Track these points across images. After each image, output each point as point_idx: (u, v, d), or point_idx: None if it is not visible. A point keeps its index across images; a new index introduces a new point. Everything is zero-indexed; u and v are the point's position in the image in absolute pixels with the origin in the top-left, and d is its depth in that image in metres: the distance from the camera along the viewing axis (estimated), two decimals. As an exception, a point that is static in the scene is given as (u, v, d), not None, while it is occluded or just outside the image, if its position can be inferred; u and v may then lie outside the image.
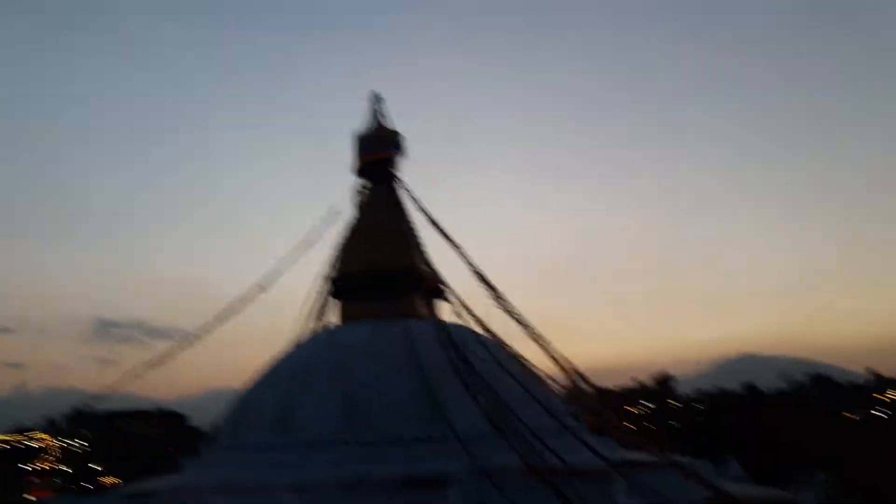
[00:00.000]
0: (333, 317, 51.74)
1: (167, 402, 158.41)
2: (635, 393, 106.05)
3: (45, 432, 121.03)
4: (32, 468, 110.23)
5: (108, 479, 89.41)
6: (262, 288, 52.40)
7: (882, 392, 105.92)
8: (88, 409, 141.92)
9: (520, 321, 39.70)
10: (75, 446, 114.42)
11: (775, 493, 38.62)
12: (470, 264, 44.47)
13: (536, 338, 41.43)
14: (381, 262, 46.48)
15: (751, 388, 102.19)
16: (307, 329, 53.77)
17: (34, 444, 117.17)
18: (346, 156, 52.33)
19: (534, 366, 39.85)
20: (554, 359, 39.82)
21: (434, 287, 48.13)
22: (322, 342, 47.49)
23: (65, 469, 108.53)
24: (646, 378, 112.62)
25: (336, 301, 51.27)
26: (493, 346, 40.96)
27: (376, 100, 51.56)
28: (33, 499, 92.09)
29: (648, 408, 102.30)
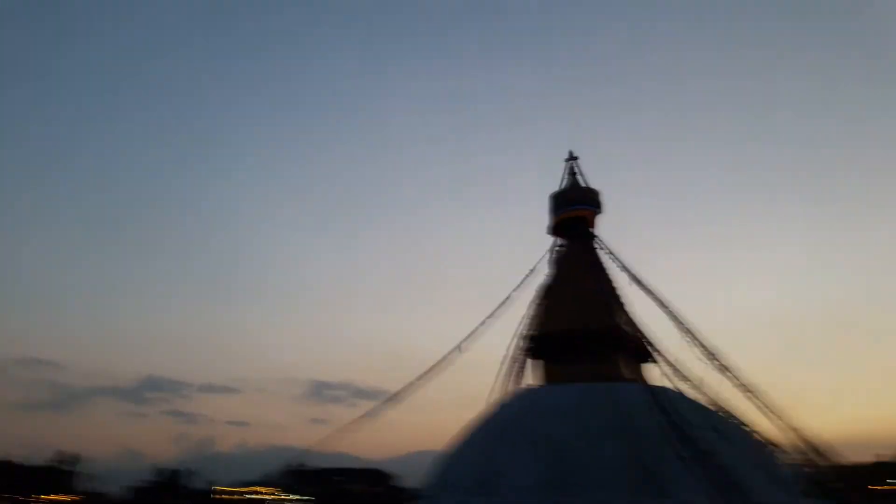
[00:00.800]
0: (532, 377, 51.27)
1: (374, 463, 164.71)
2: (880, 470, 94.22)
3: (265, 486, 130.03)
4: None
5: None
6: (461, 349, 53.39)
7: None
8: (303, 466, 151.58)
9: (741, 384, 36.76)
10: (293, 501, 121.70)
11: None
12: (679, 322, 42.33)
13: (761, 403, 38.13)
14: (583, 322, 45.37)
15: None
16: (506, 390, 53.73)
17: (255, 497, 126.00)
18: (542, 215, 53.04)
19: (757, 434, 36.40)
20: (783, 428, 36.31)
21: (640, 348, 46.23)
22: (524, 403, 46.85)
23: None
24: (893, 455, 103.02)
25: (535, 361, 50.79)
26: (710, 412, 38.09)
27: (572, 158, 51.79)
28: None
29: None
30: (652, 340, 44.51)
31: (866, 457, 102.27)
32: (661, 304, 43.65)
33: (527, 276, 51.01)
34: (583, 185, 50.67)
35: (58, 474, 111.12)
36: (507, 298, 50.46)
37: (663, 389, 38.75)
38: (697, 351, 40.56)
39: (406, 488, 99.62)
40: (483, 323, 51.69)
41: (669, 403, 35.76)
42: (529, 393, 49.03)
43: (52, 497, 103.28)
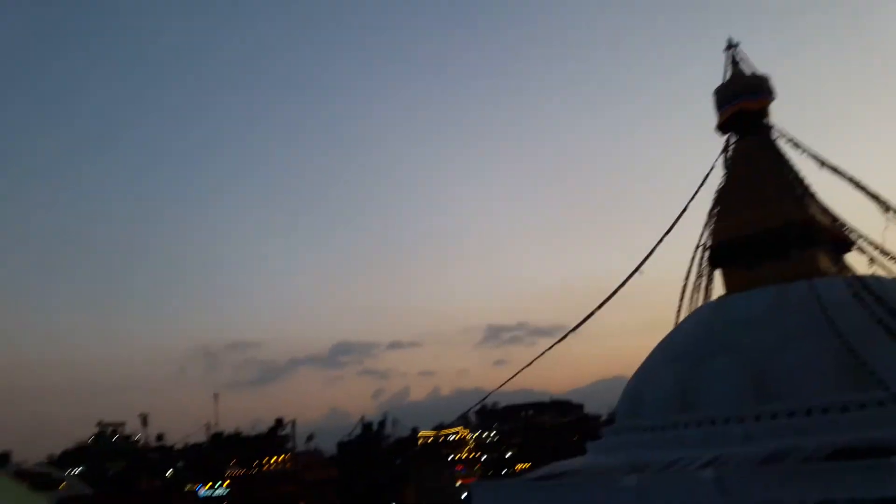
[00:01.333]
0: (720, 289, 48.85)
1: (561, 395, 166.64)
2: None
3: (462, 427, 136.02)
4: (456, 458, 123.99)
5: (521, 465, 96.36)
6: (641, 271, 51.71)
7: None
8: (494, 405, 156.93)
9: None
10: (488, 438, 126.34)
11: None
12: (880, 200, 38.34)
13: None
14: (769, 220, 42.10)
15: None
16: (694, 305, 51.72)
17: (452, 437, 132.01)
18: (711, 116, 49.49)
19: None
20: None
21: (838, 238, 42.46)
22: (716, 314, 44.85)
23: (482, 457, 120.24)
24: None
25: (721, 271, 48.27)
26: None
27: (731, 46, 47.68)
28: (459, 483, 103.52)
29: None
30: (850, 227, 40.75)
31: None
32: (857, 185, 39.70)
33: (702, 182, 48.23)
34: (747, 73, 46.77)
35: (277, 440, 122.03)
36: (684, 210, 48.03)
37: (872, 278, 35.52)
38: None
39: (595, 416, 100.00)
40: (661, 240, 49.71)
41: (879, 289, 32.71)
42: (719, 303, 46.80)
43: (275, 460, 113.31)
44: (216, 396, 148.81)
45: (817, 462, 29.65)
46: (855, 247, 40.09)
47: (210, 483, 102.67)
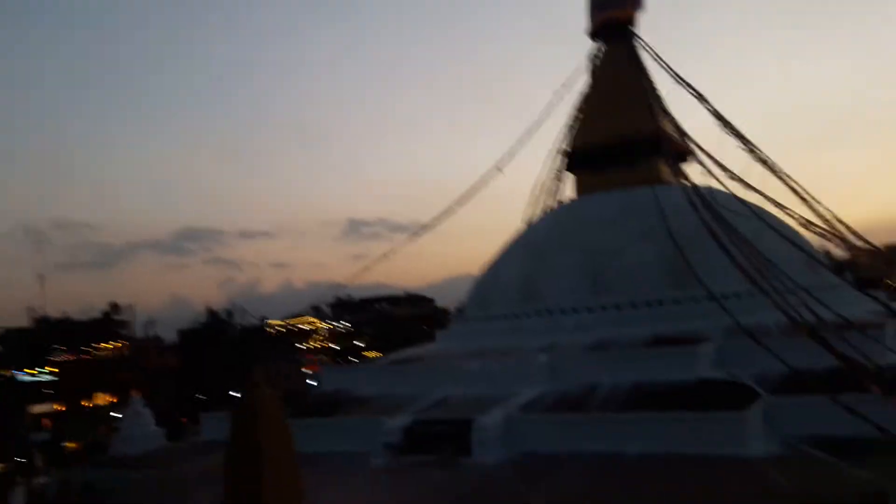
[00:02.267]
0: (569, 192, 51.51)
1: (415, 289, 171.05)
2: None
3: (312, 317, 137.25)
4: (306, 347, 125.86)
5: (372, 353, 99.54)
6: (499, 168, 53.31)
7: None
8: (348, 297, 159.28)
9: (779, 175, 36.63)
10: (340, 328, 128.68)
11: None
12: (721, 119, 41.53)
13: (799, 193, 38.26)
14: (622, 128, 44.58)
15: None
16: (544, 206, 54.43)
17: (305, 328, 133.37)
18: (578, 20, 50.47)
19: (796, 219, 36.68)
20: (819, 213, 36.56)
21: (681, 150, 45.67)
22: (563, 215, 47.61)
23: (333, 346, 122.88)
24: None
25: (574, 175, 50.82)
26: (751, 205, 38.30)
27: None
28: (309, 371, 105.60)
29: None
30: (693, 140, 44.00)
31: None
32: (703, 101, 42.64)
33: (564, 86, 49.76)
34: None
35: (112, 325, 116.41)
36: (545, 112, 49.57)
37: (706, 188, 38.85)
38: (739, 145, 40.07)
39: (447, 309, 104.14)
40: (521, 140, 51.29)
41: (711, 199, 35.95)
42: (568, 205, 49.54)
43: (108, 345, 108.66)
44: (41, 279, 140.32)
45: (636, 349, 33.05)
46: (693, 158, 43.35)
47: (33, 368, 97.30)
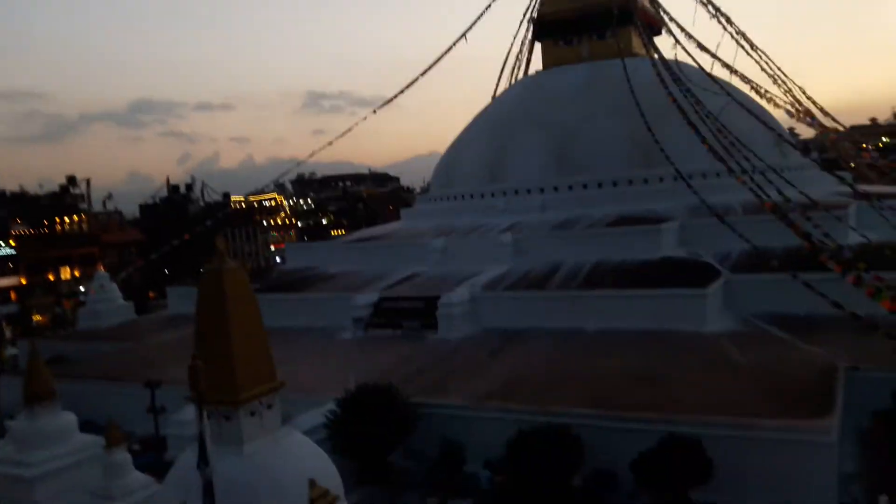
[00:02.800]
0: (540, 63, 50.02)
1: (379, 168, 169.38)
2: (874, 131, 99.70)
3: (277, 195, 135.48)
4: (269, 224, 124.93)
5: (336, 231, 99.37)
6: (465, 38, 51.50)
7: None
8: (311, 175, 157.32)
9: (750, 52, 35.89)
10: (304, 205, 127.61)
11: None
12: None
13: (770, 70, 37.77)
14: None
15: None
16: (511, 79, 53.16)
17: (269, 204, 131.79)
18: None
19: (765, 98, 36.32)
20: (790, 94, 36.26)
21: (653, 22, 44.29)
22: (528, 90, 46.43)
23: (297, 224, 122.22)
24: (886, 115, 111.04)
25: (542, 45, 49.24)
26: (721, 82, 37.67)
27: None
28: (274, 248, 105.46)
29: (885, 143, 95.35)
30: (666, 10, 42.61)
31: (862, 119, 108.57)
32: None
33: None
34: None
35: (70, 199, 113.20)
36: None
37: (676, 63, 37.99)
38: (714, 18, 38.95)
39: (411, 189, 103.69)
40: (487, 6, 49.32)
41: (682, 75, 35.21)
42: (535, 78, 48.23)
43: (68, 221, 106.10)
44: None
45: (600, 228, 33.31)
46: (665, 30, 42.17)
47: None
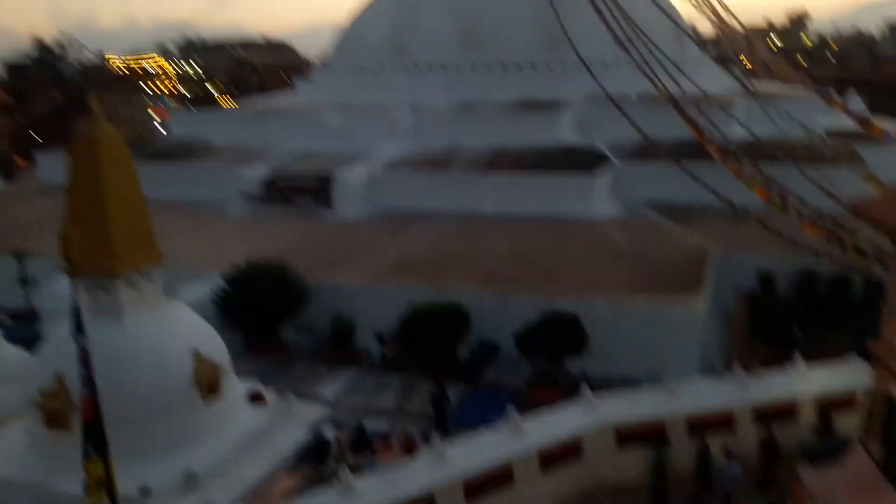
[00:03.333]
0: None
1: (275, 35, 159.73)
2: (767, 32, 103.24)
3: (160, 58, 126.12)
4: (152, 91, 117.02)
5: (226, 103, 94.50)
6: None
7: None
8: (199, 39, 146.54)
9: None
10: (190, 72, 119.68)
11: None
12: None
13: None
14: None
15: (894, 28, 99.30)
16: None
17: (151, 69, 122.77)
18: None
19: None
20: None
21: None
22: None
23: (183, 92, 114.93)
24: (780, 16, 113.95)
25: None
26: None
27: None
28: (156, 116, 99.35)
29: (778, 46, 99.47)
30: None
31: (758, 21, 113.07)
32: None
33: None
34: None
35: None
36: None
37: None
38: None
39: (310, 60, 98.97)
40: None
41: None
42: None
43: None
44: None
45: (501, 112, 33.14)
46: None
47: None
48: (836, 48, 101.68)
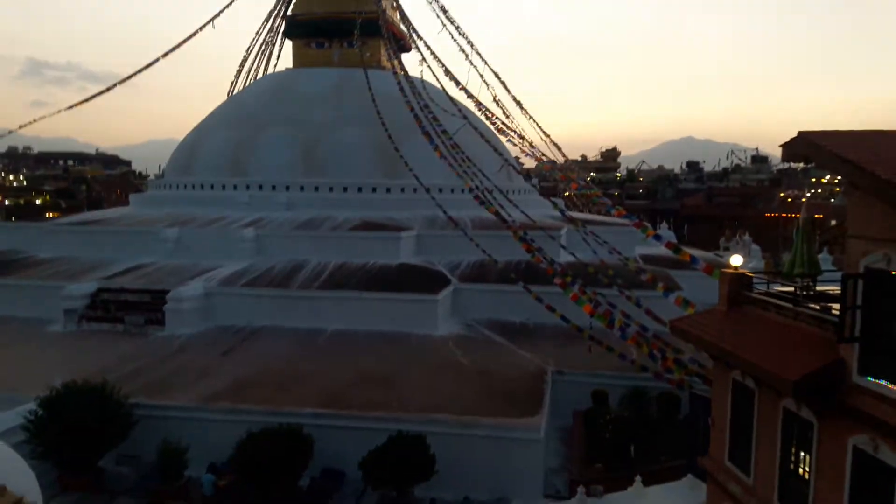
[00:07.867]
0: (285, 61, 49.80)
1: (110, 149, 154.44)
2: (583, 166, 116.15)
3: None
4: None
5: (51, 213, 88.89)
6: (213, 25, 49.45)
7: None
8: (26, 149, 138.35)
9: (487, 83, 38.80)
10: (14, 182, 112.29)
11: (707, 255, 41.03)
12: (444, 14, 42.47)
13: (500, 103, 41.23)
14: (345, 4, 44.02)
15: (691, 165, 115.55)
16: (258, 73, 51.98)
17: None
18: None
19: (496, 127, 39.41)
20: (516, 127, 39.80)
21: (403, 38, 46.06)
22: (277, 87, 45.63)
23: (4, 202, 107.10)
24: (594, 154, 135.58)
25: (292, 43, 48.85)
26: (460, 105, 40.30)
27: None
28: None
29: (595, 179, 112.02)
30: (415, 29, 44.56)
31: (574, 155, 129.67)
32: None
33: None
34: None
35: None
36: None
37: (420, 80, 39.65)
38: (459, 45, 41.56)
39: (145, 174, 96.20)
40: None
41: (424, 93, 36.90)
42: (285, 76, 47.37)
43: None
44: None
45: (345, 231, 33.68)
46: (414, 48, 44.01)
47: None
48: (643, 181, 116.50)
